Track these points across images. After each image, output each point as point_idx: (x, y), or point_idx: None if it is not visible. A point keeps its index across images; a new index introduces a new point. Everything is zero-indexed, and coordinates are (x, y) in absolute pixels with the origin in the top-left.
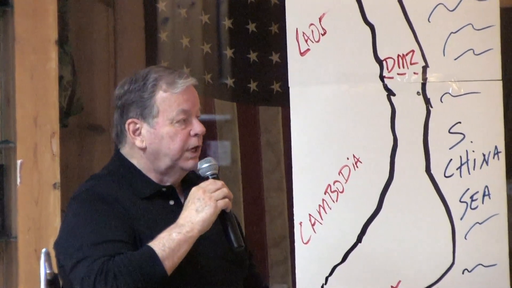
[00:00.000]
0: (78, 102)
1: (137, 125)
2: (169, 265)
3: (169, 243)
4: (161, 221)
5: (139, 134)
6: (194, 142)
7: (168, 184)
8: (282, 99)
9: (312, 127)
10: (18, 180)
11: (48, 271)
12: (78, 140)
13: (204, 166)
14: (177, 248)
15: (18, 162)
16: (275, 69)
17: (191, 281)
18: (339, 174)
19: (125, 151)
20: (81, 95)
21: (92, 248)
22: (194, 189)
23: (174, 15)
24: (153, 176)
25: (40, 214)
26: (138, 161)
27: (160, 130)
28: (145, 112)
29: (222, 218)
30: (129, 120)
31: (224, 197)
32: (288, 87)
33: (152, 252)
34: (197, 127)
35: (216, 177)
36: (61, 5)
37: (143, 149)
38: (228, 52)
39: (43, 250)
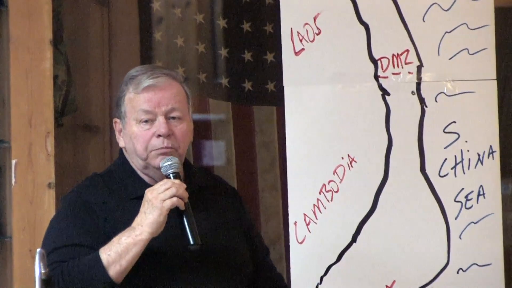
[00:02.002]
0: (73, 102)
1: (120, 125)
2: (115, 269)
3: (116, 248)
4: None
5: (122, 134)
6: (158, 143)
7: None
8: (277, 99)
9: (307, 127)
10: (13, 180)
11: (43, 271)
12: (73, 140)
13: (164, 165)
14: (125, 252)
15: (13, 162)
16: (270, 68)
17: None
18: (334, 174)
19: (124, 150)
20: (76, 95)
21: (52, 253)
22: (146, 190)
23: (169, 15)
24: (144, 176)
25: (35, 213)
26: (132, 160)
27: (128, 131)
28: (119, 112)
29: (179, 216)
30: (114, 120)
31: (172, 196)
32: (283, 87)
33: (97, 258)
34: (160, 128)
35: (176, 175)
36: (56, 5)
37: (125, 149)
38: (223, 52)
39: (38, 250)
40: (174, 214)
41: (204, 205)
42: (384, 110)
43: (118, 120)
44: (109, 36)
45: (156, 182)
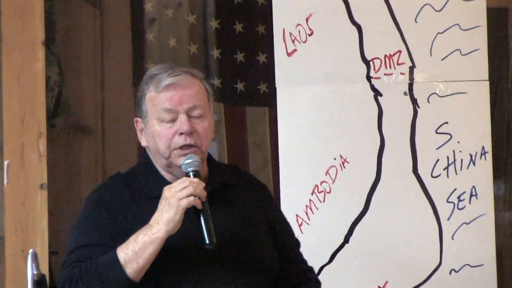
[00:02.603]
0: (65, 103)
1: (141, 124)
2: (132, 268)
3: (133, 246)
4: None
5: (144, 133)
6: (180, 140)
7: None
8: (269, 100)
9: (299, 128)
10: (5, 181)
11: (35, 272)
12: (65, 140)
13: (184, 163)
14: (142, 250)
15: (5, 162)
16: (262, 69)
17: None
18: (326, 175)
19: (147, 149)
20: (68, 95)
21: (72, 252)
22: (164, 188)
23: (161, 15)
24: (166, 174)
25: (27, 214)
26: (155, 159)
27: (150, 130)
28: (140, 111)
29: (196, 214)
30: (135, 119)
31: (189, 195)
32: (275, 88)
33: (114, 256)
34: (183, 126)
35: (196, 174)
36: (48, 6)
37: (148, 148)
38: (215, 53)
39: (30, 250)
40: (191, 213)
41: (227, 202)
42: (377, 110)
43: (139, 119)
44: (102, 37)
45: None
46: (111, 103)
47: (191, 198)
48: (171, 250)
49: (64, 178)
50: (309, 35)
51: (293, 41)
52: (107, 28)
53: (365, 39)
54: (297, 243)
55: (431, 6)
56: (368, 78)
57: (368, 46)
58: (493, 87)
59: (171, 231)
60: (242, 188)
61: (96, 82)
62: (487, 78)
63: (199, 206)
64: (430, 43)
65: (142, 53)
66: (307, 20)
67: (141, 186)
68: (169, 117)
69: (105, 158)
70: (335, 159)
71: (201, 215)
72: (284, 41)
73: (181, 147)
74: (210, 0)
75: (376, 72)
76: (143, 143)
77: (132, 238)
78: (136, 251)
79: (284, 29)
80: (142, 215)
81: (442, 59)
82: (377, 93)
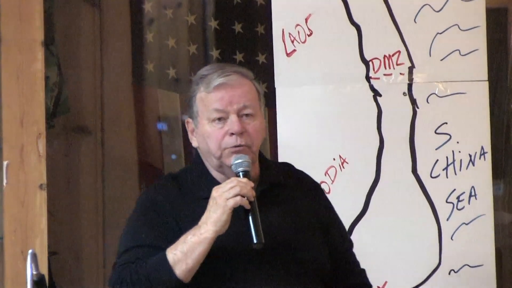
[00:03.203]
0: (64, 103)
1: (192, 125)
2: (181, 268)
3: (181, 247)
4: None
5: (195, 134)
6: (231, 141)
7: None
8: (269, 100)
9: (298, 128)
10: (5, 181)
11: (34, 272)
12: (65, 141)
13: (234, 163)
14: (190, 251)
15: (5, 163)
16: (262, 70)
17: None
18: (325, 175)
19: (199, 149)
20: (67, 96)
21: (123, 253)
22: (213, 188)
23: (160, 16)
24: (217, 175)
25: (27, 215)
26: (205, 160)
27: (201, 130)
28: (191, 112)
29: (245, 214)
30: (186, 120)
31: (236, 195)
32: (275, 88)
33: (163, 257)
34: (234, 126)
35: (245, 174)
36: (47, 6)
37: (199, 148)
38: (214, 53)
39: (30, 251)
40: (240, 213)
41: (278, 202)
42: (376, 111)
43: (190, 120)
44: (101, 37)
45: None
46: (110, 103)
47: (238, 198)
48: (221, 250)
49: (64, 179)
50: (309, 35)
51: (292, 42)
52: (106, 28)
53: (365, 40)
54: (350, 245)
55: (431, 6)
56: (368, 78)
57: (367, 47)
58: (492, 87)
59: (219, 231)
60: (294, 187)
61: (95, 82)
62: (486, 79)
63: (247, 206)
64: (429, 44)
65: (141, 53)
66: (306, 20)
67: (191, 187)
68: (219, 117)
69: (104, 159)
70: (334, 159)
71: (250, 215)
72: (284, 42)
73: (232, 147)
74: (210, 1)
75: (375, 73)
76: (194, 143)
77: (181, 239)
78: (185, 252)
79: (283, 29)
80: (193, 216)
81: (441, 60)
82: (376, 94)
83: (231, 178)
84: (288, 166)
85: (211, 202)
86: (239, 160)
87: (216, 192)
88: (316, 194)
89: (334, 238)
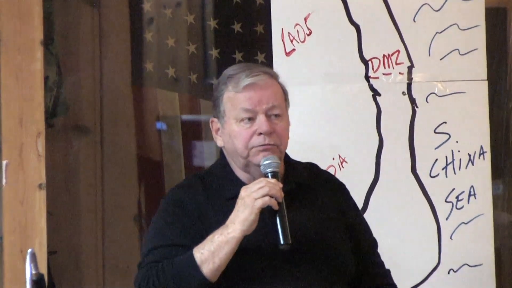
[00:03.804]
0: (63, 103)
1: (217, 124)
2: (208, 267)
3: (209, 246)
4: None
5: (220, 133)
6: (259, 140)
7: None
8: None
9: (297, 127)
10: (4, 181)
11: (33, 272)
12: (64, 140)
13: (263, 163)
14: (218, 250)
15: (4, 162)
16: None
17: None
18: None
19: (224, 149)
20: (66, 95)
21: (149, 253)
22: (241, 189)
23: (159, 15)
24: (241, 175)
25: (26, 214)
26: (230, 159)
27: (228, 129)
28: (217, 111)
29: (273, 215)
30: (211, 119)
31: (264, 196)
32: None
33: (190, 257)
34: (262, 126)
35: (274, 175)
36: (47, 6)
37: (224, 148)
38: (214, 53)
39: (29, 250)
40: (268, 213)
41: (303, 202)
42: (375, 110)
43: (215, 120)
44: (100, 36)
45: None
46: (109, 103)
47: (266, 198)
48: (247, 250)
49: (63, 178)
50: (308, 35)
51: (291, 41)
52: (106, 28)
53: (364, 39)
54: (374, 245)
55: (430, 5)
56: (367, 77)
57: (366, 46)
58: (491, 86)
59: (246, 231)
60: (319, 187)
61: (94, 82)
62: (486, 78)
63: (275, 207)
64: (428, 43)
65: (140, 53)
66: (305, 20)
67: (217, 187)
68: (247, 117)
69: (103, 158)
70: (333, 158)
71: (277, 215)
72: (283, 41)
73: (259, 146)
74: (209, 0)
75: (374, 72)
76: (219, 143)
77: (209, 238)
78: (212, 251)
79: (282, 29)
80: (218, 216)
81: (440, 59)
82: (375, 93)
83: (260, 179)
84: (312, 166)
85: (239, 201)
86: (268, 161)
87: (244, 192)
88: (342, 194)
89: (360, 238)
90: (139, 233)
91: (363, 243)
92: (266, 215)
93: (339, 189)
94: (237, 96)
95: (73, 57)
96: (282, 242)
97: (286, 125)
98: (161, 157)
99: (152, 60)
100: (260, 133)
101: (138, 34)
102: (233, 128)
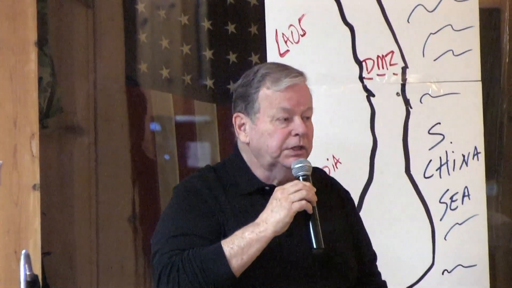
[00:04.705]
0: (57, 104)
1: (242, 120)
2: (236, 263)
3: (239, 242)
4: (254, 219)
5: (244, 129)
6: (294, 141)
7: (275, 181)
8: None
9: None
10: None
11: (28, 273)
12: (58, 141)
13: (295, 166)
14: (247, 247)
15: None
16: None
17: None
18: None
19: (239, 144)
20: (60, 96)
21: (168, 240)
22: (276, 189)
23: (153, 16)
24: (260, 173)
25: (20, 215)
26: (247, 155)
27: (260, 127)
28: (249, 107)
29: (305, 219)
30: (235, 114)
31: (301, 199)
32: None
33: (220, 249)
34: (299, 127)
35: (306, 178)
36: (41, 6)
37: (248, 144)
38: (208, 53)
39: (23, 251)
40: (298, 216)
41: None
42: (369, 111)
43: (240, 115)
44: (94, 37)
45: (278, 180)
46: (103, 104)
47: (303, 202)
48: (271, 250)
49: (57, 179)
50: (302, 35)
51: (285, 42)
52: (100, 28)
53: (358, 40)
54: (374, 256)
55: (424, 6)
56: (361, 78)
57: (360, 47)
58: (485, 87)
59: (278, 232)
60: (327, 193)
61: (88, 82)
62: (480, 79)
63: (310, 211)
64: (422, 44)
65: (134, 54)
66: (299, 20)
67: (232, 182)
68: (285, 117)
69: (97, 159)
70: (327, 159)
71: (311, 220)
72: (277, 42)
73: (293, 148)
74: (203, 1)
75: (368, 73)
76: (243, 138)
77: (238, 233)
78: (242, 247)
79: (276, 29)
80: (234, 211)
81: (434, 60)
82: (369, 94)
83: (295, 181)
84: (320, 172)
85: (273, 202)
86: (301, 164)
87: (281, 193)
88: (348, 202)
89: (361, 247)
90: (133, 234)
91: (364, 252)
92: (295, 217)
93: (345, 197)
94: (276, 95)
95: (67, 58)
96: (315, 246)
97: (313, 129)
98: (155, 158)
99: (146, 61)
100: (297, 134)
101: (132, 35)
102: (267, 127)
